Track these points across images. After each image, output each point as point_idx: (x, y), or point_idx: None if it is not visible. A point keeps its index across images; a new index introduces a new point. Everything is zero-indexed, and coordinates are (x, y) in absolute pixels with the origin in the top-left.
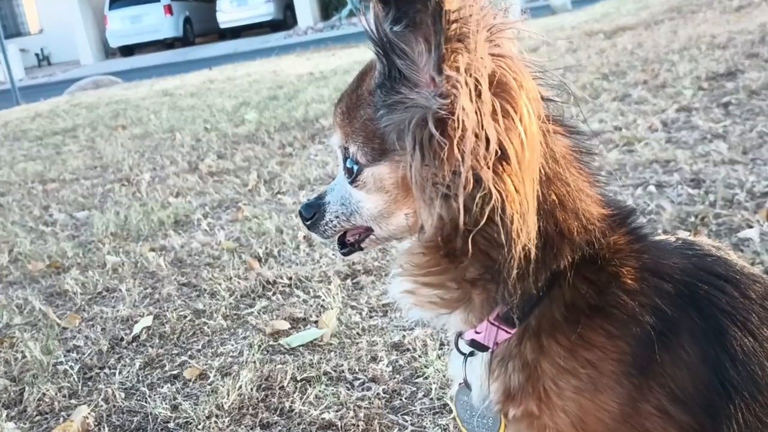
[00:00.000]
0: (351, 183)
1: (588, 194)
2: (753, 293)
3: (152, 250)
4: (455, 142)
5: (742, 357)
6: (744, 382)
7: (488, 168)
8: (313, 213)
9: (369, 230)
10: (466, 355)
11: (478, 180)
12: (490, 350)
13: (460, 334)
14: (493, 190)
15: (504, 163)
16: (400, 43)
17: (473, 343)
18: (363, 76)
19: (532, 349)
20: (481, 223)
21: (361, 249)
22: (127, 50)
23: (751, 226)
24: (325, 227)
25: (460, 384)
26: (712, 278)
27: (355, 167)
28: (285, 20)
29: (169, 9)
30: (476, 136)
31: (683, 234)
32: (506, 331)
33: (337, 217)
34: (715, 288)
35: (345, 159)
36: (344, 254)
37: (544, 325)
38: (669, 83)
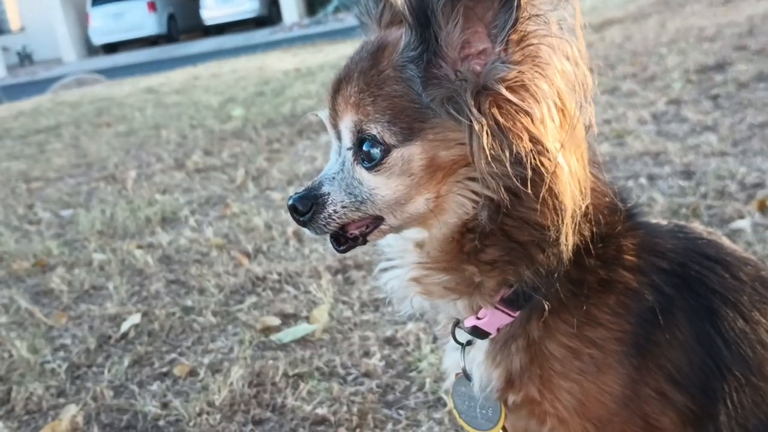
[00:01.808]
0: (372, 168)
1: (594, 174)
2: (744, 275)
3: (139, 247)
4: (533, 110)
5: (734, 338)
6: (736, 362)
7: (558, 139)
8: (309, 206)
9: (379, 220)
10: (464, 345)
11: (541, 152)
12: (490, 337)
13: (456, 324)
14: (561, 160)
15: (570, 134)
16: (447, 14)
17: (474, 330)
18: (377, 53)
19: (537, 328)
20: (521, 201)
21: (365, 243)
22: (111, 48)
23: (742, 217)
24: (327, 220)
25: (457, 375)
26: (703, 259)
27: (378, 150)
28: (270, 16)
29: (152, 6)
30: (556, 105)
31: None
32: (510, 315)
33: (344, 207)
34: (707, 269)
35: (359, 142)
36: (342, 251)
37: (552, 302)
38: (658, 76)
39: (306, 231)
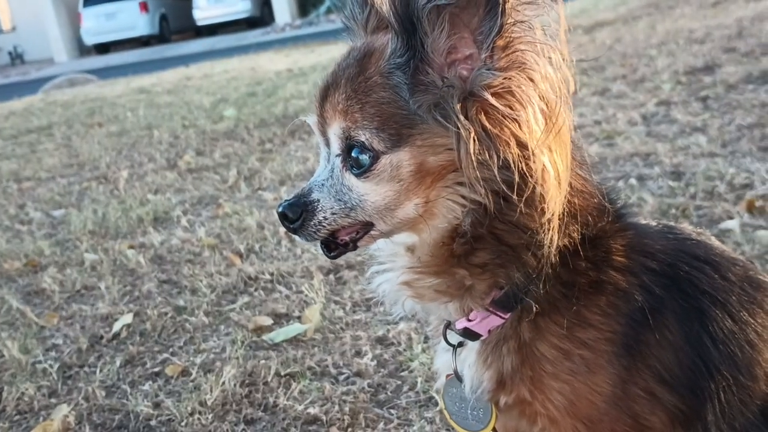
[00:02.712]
0: (361, 175)
1: (582, 176)
2: (733, 275)
3: (131, 247)
4: (520, 116)
5: (723, 338)
6: (725, 362)
7: (543, 141)
8: (299, 213)
9: (369, 226)
10: (455, 347)
11: (528, 156)
12: (481, 338)
13: (448, 326)
14: (547, 163)
15: (554, 137)
16: (432, 21)
17: (465, 332)
18: (364, 60)
19: (529, 329)
20: (509, 204)
21: (356, 249)
22: (103, 48)
23: (731, 218)
24: (317, 227)
25: (447, 376)
26: (693, 260)
27: (367, 156)
28: (262, 17)
29: (144, 6)
30: (541, 110)
31: None
32: (500, 317)
33: (333, 214)
34: (696, 269)
35: (348, 149)
36: (332, 257)
37: (543, 304)
38: (648, 77)
39: (296, 237)
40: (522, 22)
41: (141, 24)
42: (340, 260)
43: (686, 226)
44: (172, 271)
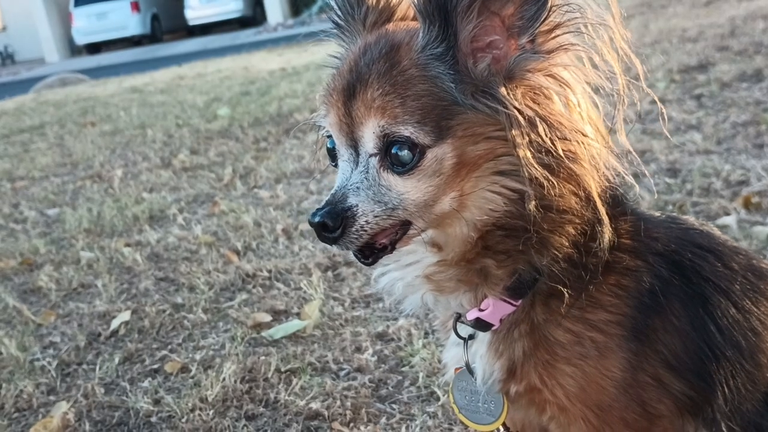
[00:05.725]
0: (404, 172)
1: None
2: (736, 264)
3: (128, 245)
4: (568, 97)
5: (727, 325)
6: (730, 349)
7: (590, 122)
8: (339, 222)
9: (407, 225)
10: (466, 339)
11: (574, 137)
12: (493, 328)
13: (458, 318)
14: (594, 142)
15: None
16: (464, 9)
17: (478, 323)
18: (392, 54)
19: (542, 311)
20: (548, 188)
21: (393, 251)
22: (94, 48)
23: (728, 214)
24: (359, 233)
25: (456, 370)
26: (696, 248)
27: (407, 152)
28: (254, 17)
29: (136, 6)
30: (585, 91)
31: None
32: (512, 304)
33: (376, 217)
34: (699, 257)
35: (386, 147)
36: (369, 264)
37: (556, 286)
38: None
39: (333, 248)
40: (567, 4)
41: (132, 24)
42: (339, 257)
43: (689, 218)
44: (169, 268)
